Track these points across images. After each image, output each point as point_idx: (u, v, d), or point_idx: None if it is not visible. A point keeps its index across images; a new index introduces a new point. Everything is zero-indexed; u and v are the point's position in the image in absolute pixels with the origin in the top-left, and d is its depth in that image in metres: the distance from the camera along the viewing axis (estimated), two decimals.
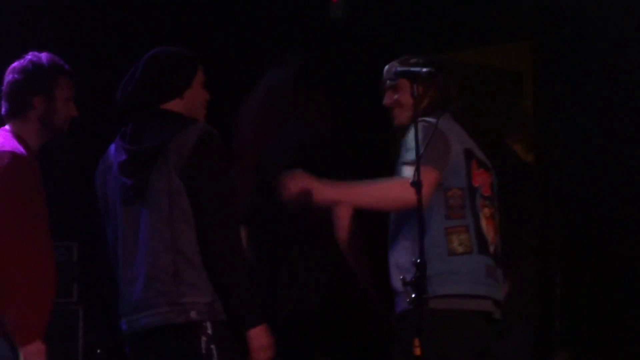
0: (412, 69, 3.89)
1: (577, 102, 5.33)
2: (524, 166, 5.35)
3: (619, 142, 5.18)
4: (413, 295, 3.56)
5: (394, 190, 3.93)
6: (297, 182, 3.94)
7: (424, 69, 3.83)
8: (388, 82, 4.23)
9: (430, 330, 3.71)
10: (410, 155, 3.89)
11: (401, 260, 4.02)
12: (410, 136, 3.92)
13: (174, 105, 3.96)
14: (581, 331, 5.29)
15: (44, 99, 4.14)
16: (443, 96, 4.14)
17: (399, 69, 3.98)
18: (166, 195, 3.84)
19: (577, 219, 5.30)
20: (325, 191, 3.95)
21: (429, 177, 3.85)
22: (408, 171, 3.88)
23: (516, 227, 4.92)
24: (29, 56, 4.18)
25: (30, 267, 3.95)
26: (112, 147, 4.01)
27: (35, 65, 4.16)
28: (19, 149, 4.05)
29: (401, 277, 3.68)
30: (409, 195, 3.70)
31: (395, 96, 4.21)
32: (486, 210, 4.09)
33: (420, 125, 3.91)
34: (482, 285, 3.94)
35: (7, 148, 4.03)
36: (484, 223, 4.05)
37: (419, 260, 3.59)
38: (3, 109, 4.18)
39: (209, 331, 3.76)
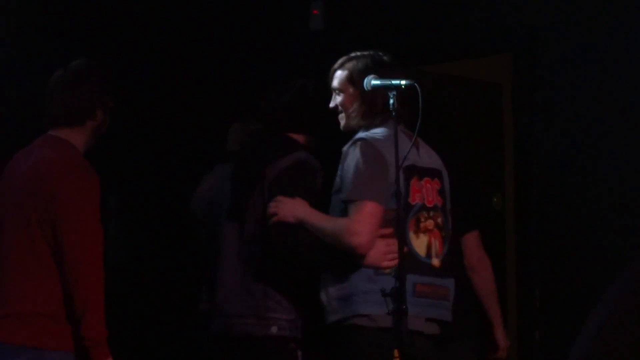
0: (393, 81, 3.85)
1: (556, 114, 5.34)
2: (501, 180, 5.35)
3: (600, 154, 5.19)
4: (391, 307, 3.57)
5: (341, 234, 3.92)
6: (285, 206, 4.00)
7: (403, 81, 3.80)
8: (333, 84, 4.21)
9: (350, 348, 3.89)
10: (347, 191, 3.92)
11: (324, 274, 4.04)
12: (350, 160, 3.95)
13: (300, 137, 4.24)
14: (561, 343, 5.29)
15: (103, 110, 4.03)
16: (386, 103, 3.97)
17: (374, 82, 3.92)
18: (259, 217, 4.06)
19: (556, 231, 5.30)
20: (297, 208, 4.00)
21: (373, 210, 3.88)
22: (351, 213, 3.89)
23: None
24: (84, 64, 4.05)
25: (102, 279, 3.87)
26: (231, 163, 4.25)
27: (100, 76, 4.03)
28: (84, 159, 3.97)
29: (381, 288, 3.67)
30: (353, 241, 3.85)
31: (338, 99, 4.19)
32: (429, 223, 4.05)
33: (358, 148, 3.94)
34: (409, 304, 3.85)
35: (79, 158, 3.93)
36: (414, 240, 4.00)
37: (397, 273, 3.58)
38: (59, 115, 3.99)
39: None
